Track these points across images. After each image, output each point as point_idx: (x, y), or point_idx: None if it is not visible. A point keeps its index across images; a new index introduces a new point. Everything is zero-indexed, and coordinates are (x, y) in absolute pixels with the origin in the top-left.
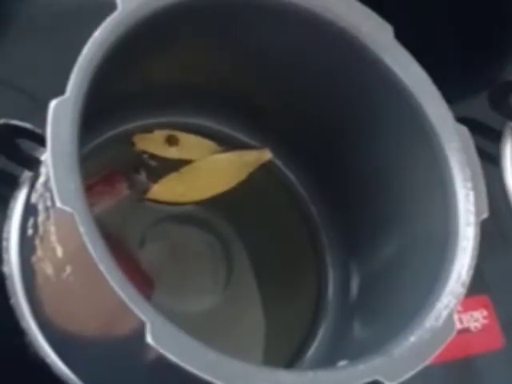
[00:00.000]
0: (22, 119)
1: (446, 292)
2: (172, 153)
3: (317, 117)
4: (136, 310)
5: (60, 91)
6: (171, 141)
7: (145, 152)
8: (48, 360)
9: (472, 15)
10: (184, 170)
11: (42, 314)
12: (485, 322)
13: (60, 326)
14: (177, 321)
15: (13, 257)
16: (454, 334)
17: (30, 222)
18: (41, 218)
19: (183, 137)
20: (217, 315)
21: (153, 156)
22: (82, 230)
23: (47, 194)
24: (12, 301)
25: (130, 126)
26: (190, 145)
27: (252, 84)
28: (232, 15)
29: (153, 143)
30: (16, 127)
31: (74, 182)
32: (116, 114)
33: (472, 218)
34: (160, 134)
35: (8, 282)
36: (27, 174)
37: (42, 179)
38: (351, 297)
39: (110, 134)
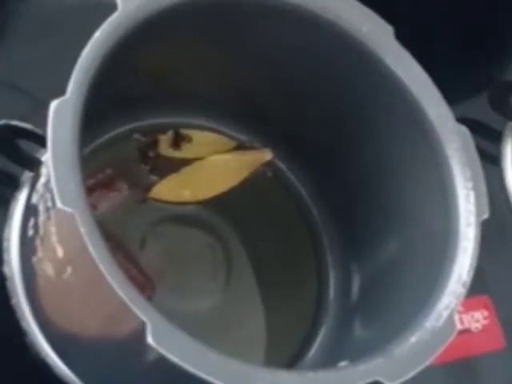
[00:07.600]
0: (22, 119)
1: (446, 292)
2: (186, 152)
3: (317, 117)
4: (136, 311)
5: (60, 91)
6: (184, 140)
7: (160, 156)
8: (48, 360)
9: (472, 15)
10: (184, 170)
11: (43, 314)
12: (485, 322)
13: (60, 327)
14: (177, 321)
15: (13, 257)
16: (454, 334)
17: (31, 222)
18: (41, 218)
19: (196, 134)
20: (217, 315)
21: (156, 156)
22: (82, 230)
23: (48, 195)
24: (13, 301)
25: (131, 126)
26: (203, 142)
27: (252, 84)
28: (232, 15)
29: (165, 145)
30: (16, 128)
31: (74, 183)
32: (116, 115)
33: (472, 219)
34: (171, 135)
35: (9, 283)
36: (28, 175)
37: (42, 180)
38: (352, 297)
39: (111, 134)
